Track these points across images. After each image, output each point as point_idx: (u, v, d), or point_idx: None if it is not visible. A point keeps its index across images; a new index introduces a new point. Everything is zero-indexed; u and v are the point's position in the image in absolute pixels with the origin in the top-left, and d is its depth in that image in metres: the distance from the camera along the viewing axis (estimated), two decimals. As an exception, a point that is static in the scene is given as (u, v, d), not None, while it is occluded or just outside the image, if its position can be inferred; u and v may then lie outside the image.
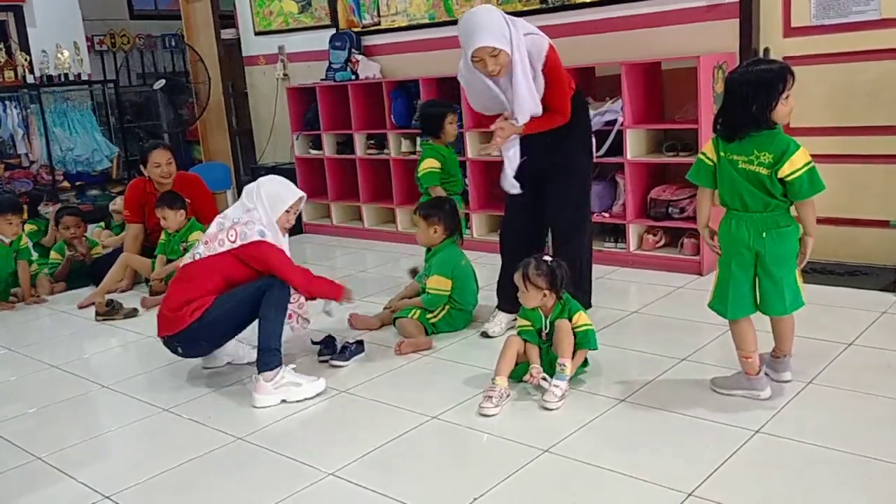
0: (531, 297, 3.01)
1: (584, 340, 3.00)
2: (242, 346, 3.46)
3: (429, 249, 3.84)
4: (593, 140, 3.83)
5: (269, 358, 3.07)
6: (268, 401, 3.03)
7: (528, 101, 3.36)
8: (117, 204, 5.72)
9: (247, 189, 3.35)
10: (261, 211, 3.26)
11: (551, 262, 3.03)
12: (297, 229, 6.29)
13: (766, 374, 2.81)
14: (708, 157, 2.75)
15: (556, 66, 3.42)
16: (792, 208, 2.66)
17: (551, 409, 2.81)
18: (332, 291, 3.40)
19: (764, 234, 2.63)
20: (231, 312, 3.18)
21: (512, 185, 3.51)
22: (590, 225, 3.78)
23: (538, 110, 3.41)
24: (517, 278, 3.03)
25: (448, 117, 4.28)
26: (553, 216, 3.63)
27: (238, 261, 3.20)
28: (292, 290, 3.25)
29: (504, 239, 3.82)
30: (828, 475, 2.28)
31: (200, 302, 3.15)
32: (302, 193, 3.38)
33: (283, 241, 3.31)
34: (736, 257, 2.69)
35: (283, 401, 3.03)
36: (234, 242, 3.19)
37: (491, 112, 3.56)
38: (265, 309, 3.12)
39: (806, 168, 2.55)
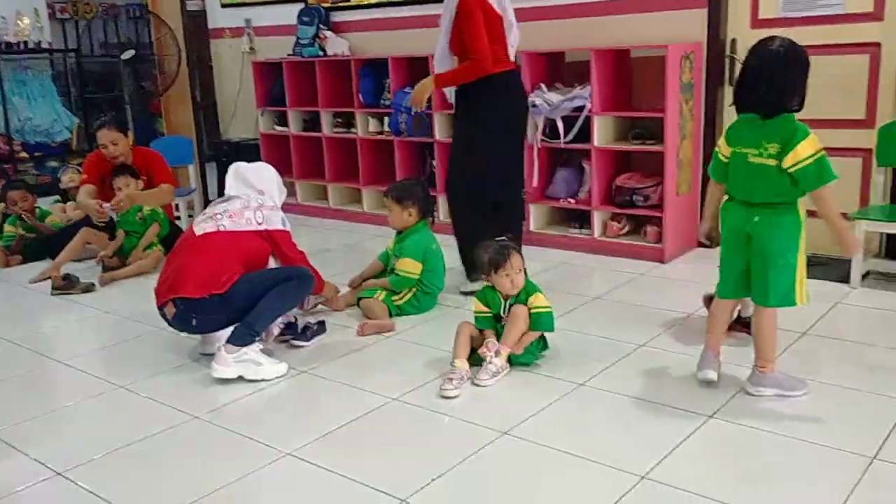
0: (520, 279, 3.02)
1: (536, 322, 3.01)
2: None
3: (399, 231, 3.82)
4: (515, 124, 3.95)
5: (243, 335, 3.04)
6: (226, 373, 3.00)
7: (439, 49, 3.77)
8: (71, 180, 5.58)
9: (247, 169, 3.47)
10: (276, 196, 3.48)
11: (509, 240, 3.08)
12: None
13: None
14: (722, 153, 2.70)
15: (472, 8, 3.60)
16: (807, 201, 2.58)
17: (482, 386, 2.86)
18: (318, 286, 3.50)
19: (756, 218, 2.58)
20: (255, 291, 3.13)
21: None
22: (477, 200, 3.84)
23: (445, 59, 3.75)
24: (493, 264, 3.03)
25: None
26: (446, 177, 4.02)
27: (263, 241, 3.31)
28: None
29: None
30: (778, 460, 2.33)
31: (231, 274, 3.14)
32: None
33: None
34: (729, 239, 2.69)
35: (241, 377, 3.00)
36: (260, 224, 3.29)
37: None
38: (275, 294, 3.13)
39: (813, 158, 2.46)
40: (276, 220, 3.36)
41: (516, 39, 3.98)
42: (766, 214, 2.57)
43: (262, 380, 3.01)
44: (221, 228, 3.23)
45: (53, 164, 7.26)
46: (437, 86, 3.91)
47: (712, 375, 2.77)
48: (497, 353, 2.94)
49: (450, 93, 4.11)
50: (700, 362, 2.80)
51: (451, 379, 2.86)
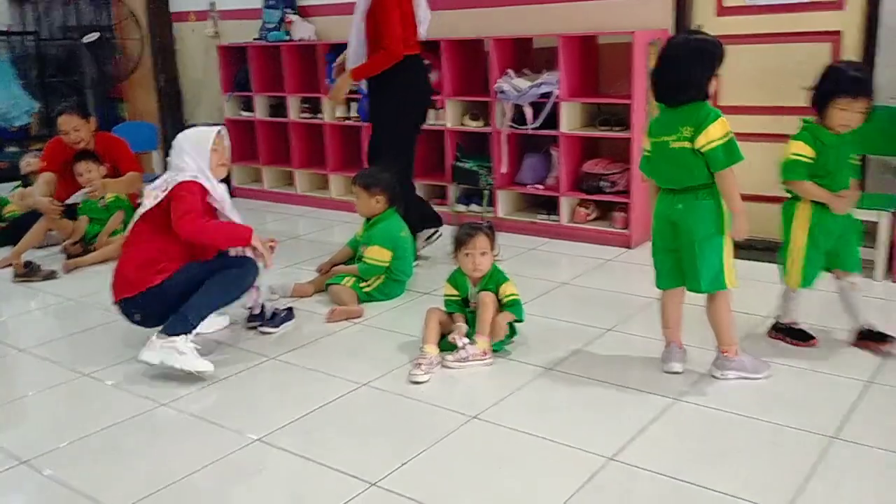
0: (487, 260, 3.04)
1: (512, 308, 3.04)
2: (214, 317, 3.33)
3: (368, 218, 3.81)
4: (417, 105, 4.17)
5: (178, 324, 2.94)
6: (149, 357, 2.91)
7: (353, 42, 3.94)
8: (30, 165, 5.47)
9: (171, 153, 3.24)
10: (190, 161, 3.15)
11: (486, 225, 3.12)
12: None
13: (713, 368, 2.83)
14: (644, 148, 2.78)
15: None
16: None
17: (451, 368, 2.90)
18: (239, 236, 3.14)
19: (680, 206, 2.67)
20: (192, 281, 3.02)
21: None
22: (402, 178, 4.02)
23: (361, 53, 3.91)
24: (456, 242, 3.06)
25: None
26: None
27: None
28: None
29: None
30: (741, 441, 2.38)
31: (164, 265, 3.03)
32: (219, 127, 3.30)
33: (220, 189, 3.22)
34: (657, 229, 2.77)
35: (162, 362, 2.90)
36: (165, 191, 3.06)
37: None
38: (213, 284, 3.03)
39: (722, 139, 2.57)
40: (181, 177, 3.08)
41: (426, 14, 4.12)
42: (688, 200, 2.66)
43: (182, 369, 2.90)
44: (142, 212, 3.12)
45: (12, 149, 7.10)
46: (354, 79, 4.09)
47: (678, 367, 2.82)
48: (472, 343, 2.95)
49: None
50: (664, 355, 2.85)
51: (420, 364, 2.87)
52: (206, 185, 3.14)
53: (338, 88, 4.16)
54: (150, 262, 3.04)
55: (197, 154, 3.18)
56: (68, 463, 2.39)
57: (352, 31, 3.98)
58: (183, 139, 3.23)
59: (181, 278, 3.03)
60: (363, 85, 4.24)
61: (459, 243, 3.06)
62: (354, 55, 3.99)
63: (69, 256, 4.49)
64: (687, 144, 2.61)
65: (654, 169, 2.75)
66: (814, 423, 2.43)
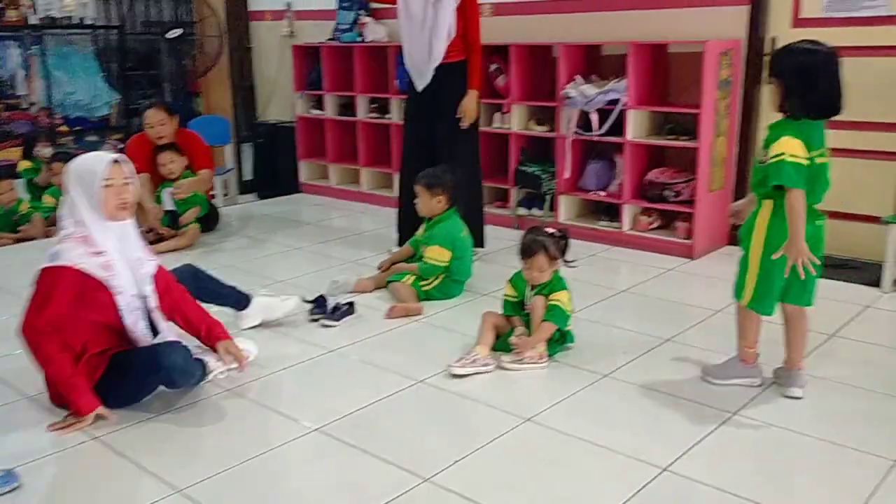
0: (545, 276, 3.05)
1: (550, 312, 3.02)
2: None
3: (429, 218, 3.87)
4: None
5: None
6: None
7: (435, 38, 4.05)
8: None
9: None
10: (76, 198, 2.54)
11: (559, 232, 3.11)
12: (292, 188, 6.34)
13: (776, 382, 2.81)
14: (802, 158, 2.51)
15: None
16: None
17: (507, 369, 2.93)
18: (79, 402, 2.50)
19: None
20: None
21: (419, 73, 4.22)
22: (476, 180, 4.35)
23: (441, 49, 4.06)
24: (521, 251, 3.07)
25: None
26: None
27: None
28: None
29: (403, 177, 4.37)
30: (799, 461, 2.34)
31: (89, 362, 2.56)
32: (115, 156, 2.60)
33: (116, 232, 2.59)
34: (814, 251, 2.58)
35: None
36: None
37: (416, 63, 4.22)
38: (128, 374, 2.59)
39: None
40: (48, 258, 2.50)
41: None
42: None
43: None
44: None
45: (92, 138, 7.38)
46: (479, 90, 4.21)
47: (761, 379, 2.80)
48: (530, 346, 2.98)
49: (423, 71, 4.20)
50: (752, 370, 2.81)
51: (462, 358, 2.93)
52: (84, 265, 2.48)
53: (474, 108, 4.18)
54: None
55: (84, 191, 2.53)
56: (136, 441, 2.50)
57: (425, 28, 4.06)
58: (71, 169, 2.59)
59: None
60: (422, 78, 4.23)
61: (522, 252, 3.08)
62: (436, 52, 4.09)
63: (153, 241, 4.70)
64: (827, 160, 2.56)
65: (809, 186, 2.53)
66: (875, 446, 2.38)
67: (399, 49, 5.60)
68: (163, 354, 2.58)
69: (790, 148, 2.47)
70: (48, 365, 2.52)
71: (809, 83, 2.47)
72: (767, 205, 2.59)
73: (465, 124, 4.17)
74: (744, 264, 2.68)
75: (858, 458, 2.33)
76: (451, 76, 4.14)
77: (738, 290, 2.71)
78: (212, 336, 2.78)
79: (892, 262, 3.75)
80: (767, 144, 2.54)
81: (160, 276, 2.74)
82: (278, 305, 3.43)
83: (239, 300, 3.34)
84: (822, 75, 2.48)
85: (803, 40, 2.59)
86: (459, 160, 4.16)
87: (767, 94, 2.59)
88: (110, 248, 2.56)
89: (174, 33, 7.28)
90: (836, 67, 2.49)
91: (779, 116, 2.58)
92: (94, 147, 7.09)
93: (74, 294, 2.48)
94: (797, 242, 2.48)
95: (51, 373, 2.54)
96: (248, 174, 6.81)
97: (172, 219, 4.86)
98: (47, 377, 2.59)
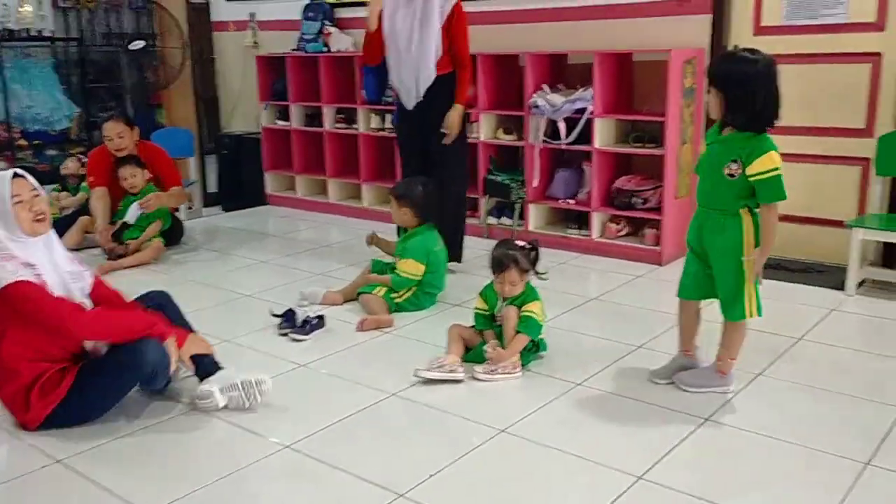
0: (517, 288, 3.03)
1: (524, 323, 3.00)
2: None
3: (405, 230, 3.84)
4: None
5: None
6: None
7: (425, 57, 4.02)
8: (68, 167, 5.62)
9: None
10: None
11: (529, 244, 3.10)
12: (258, 200, 6.28)
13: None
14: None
15: (463, 11, 4.06)
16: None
17: (481, 380, 2.91)
18: (147, 327, 2.56)
19: None
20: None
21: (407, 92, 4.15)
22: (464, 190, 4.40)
23: (431, 67, 4.03)
24: (493, 264, 3.05)
25: None
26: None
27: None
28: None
29: None
30: (771, 464, 2.35)
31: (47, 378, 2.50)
32: (12, 171, 2.56)
33: (41, 248, 2.55)
34: None
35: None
36: None
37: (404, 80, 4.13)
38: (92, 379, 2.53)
39: None
40: (4, 275, 2.40)
41: None
42: None
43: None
44: None
45: (52, 152, 7.24)
46: (465, 105, 4.18)
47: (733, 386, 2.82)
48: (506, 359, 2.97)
49: (412, 90, 4.15)
50: (728, 380, 2.82)
51: (431, 361, 2.93)
52: (24, 276, 2.41)
53: (457, 123, 4.12)
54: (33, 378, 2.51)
55: None
56: (100, 463, 2.43)
57: (412, 50, 4.03)
58: None
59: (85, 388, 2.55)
60: (412, 99, 4.19)
61: (494, 267, 3.06)
62: (424, 75, 4.07)
63: (110, 257, 4.60)
64: None
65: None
66: (847, 448, 2.40)
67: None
68: (145, 350, 2.53)
69: (779, 161, 2.52)
70: (122, 322, 2.53)
71: (751, 93, 2.49)
72: (746, 217, 2.61)
73: (447, 140, 4.12)
74: (736, 281, 2.63)
75: (831, 462, 2.35)
76: (438, 89, 4.09)
77: (738, 309, 2.66)
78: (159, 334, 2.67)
79: (855, 266, 3.81)
80: (750, 158, 2.51)
81: (98, 289, 2.69)
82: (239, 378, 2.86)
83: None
84: (762, 85, 2.50)
85: (742, 49, 2.63)
86: (450, 173, 4.16)
87: (710, 104, 2.60)
88: (40, 262, 2.50)
89: (137, 45, 7.18)
90: (775, 77, 2.52)
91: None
92: (53, 161, 6.96)
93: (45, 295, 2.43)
94: (768, 251, 2.56)
95: (130, 327, 2.53)
96: (212, 186, 6.72)
97: (120, 230, 4.73)
98: (130, 335, 2.52)
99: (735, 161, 2.55)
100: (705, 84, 2.57)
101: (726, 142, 2.58)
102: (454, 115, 4.10)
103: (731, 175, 2.56)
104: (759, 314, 2.70)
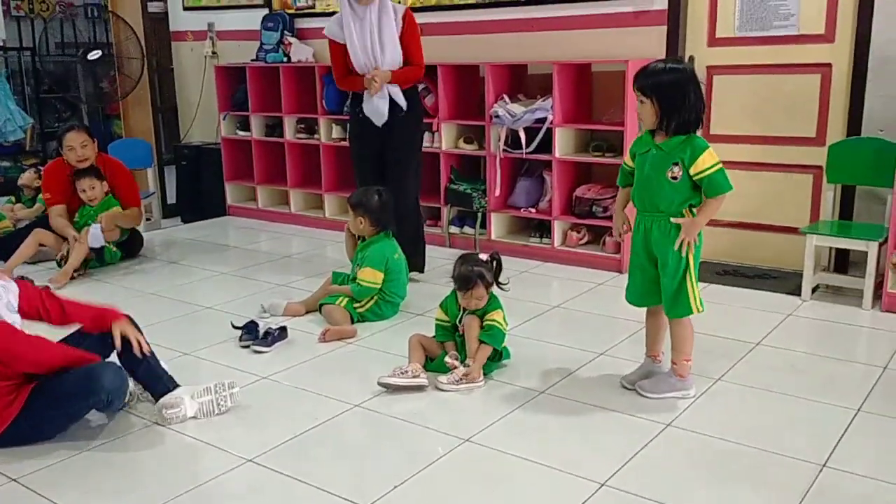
0: (481, 302, 3.04)
1: (488, 332, 3.01)
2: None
3: (362, 239, 3.83)
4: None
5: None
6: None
7: (390, 47, 4.03)
8: (24, 178, 5.52)
9: None
10: None
11: (490, 257, 3.11)
12: (218, 211, 6.22)
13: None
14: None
15: (414, 19, 4.10)
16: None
17: (444, 391, 2.91)
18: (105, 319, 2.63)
19: None
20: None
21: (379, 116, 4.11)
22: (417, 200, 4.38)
23: (398, 59, 4.05)
24: (458, 282, 3.05)
25: None
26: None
27: None
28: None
29: None
30: (730, 467, 2.39)
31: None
32: None
33: None
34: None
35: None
36: None
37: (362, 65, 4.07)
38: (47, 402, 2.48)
39: None
40: None
41: None
42: None
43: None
44: None
45: (6, 163, 7.11)
46: (394, 80, 4.09)
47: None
48: (465, 365, 2.98)
49: (379, 104, 4.09)
50: (688, 383, 2.86)
51: (395, 369, 2.93)
52: None
53: (383, 76, 4.01)
54: None
55: None
56: (58, 479, 2.38)
57: (377, 47, 4.02)
58: None
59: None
60: (381, 118, 4.13)
61: (459, 284, 3.05)
62: (390, 92, 4.09)
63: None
64: None
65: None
66: (803, 451, 2.45)
67: (327, 69, 5.60)
68: (101, 376, 2.49)
69: (717, 156, 2.66)
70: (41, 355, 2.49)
71: (682, 97, 2.61)
72: (689, 217, 2.70)
73: (373, 76, 3.98)
74: (682, 279, 2.72)
75: (790, 464, 2.39)
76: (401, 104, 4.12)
77: (682, 306, 2.74)
78: (108, 321, 2.66)
79: (810, 272, 3.89)
80: (692, 159, 2.63)
81: (27, 299, 2.59)
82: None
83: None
84: (691, 89, 2.62)
85: (663, 60, 2.76)
86: (405, 184, 4.16)
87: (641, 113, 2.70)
88: None
89: (95, 55, 7.06)
90: (698, 81, 2.66)
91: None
92: (7, 173, 6.82)
93: None
94: (703, 223, 2.69)
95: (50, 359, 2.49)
96: (172, 198, 6.64)
97: (99, 256, 4.69)
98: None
99: (676, 164, 2.66)
100: (637, 95, 2.67)
101: (663, 147, 2.68)
102: (383, 74, 4.02)
103: (675, 178, 2.67)
104: (702, 309, 2.77)
